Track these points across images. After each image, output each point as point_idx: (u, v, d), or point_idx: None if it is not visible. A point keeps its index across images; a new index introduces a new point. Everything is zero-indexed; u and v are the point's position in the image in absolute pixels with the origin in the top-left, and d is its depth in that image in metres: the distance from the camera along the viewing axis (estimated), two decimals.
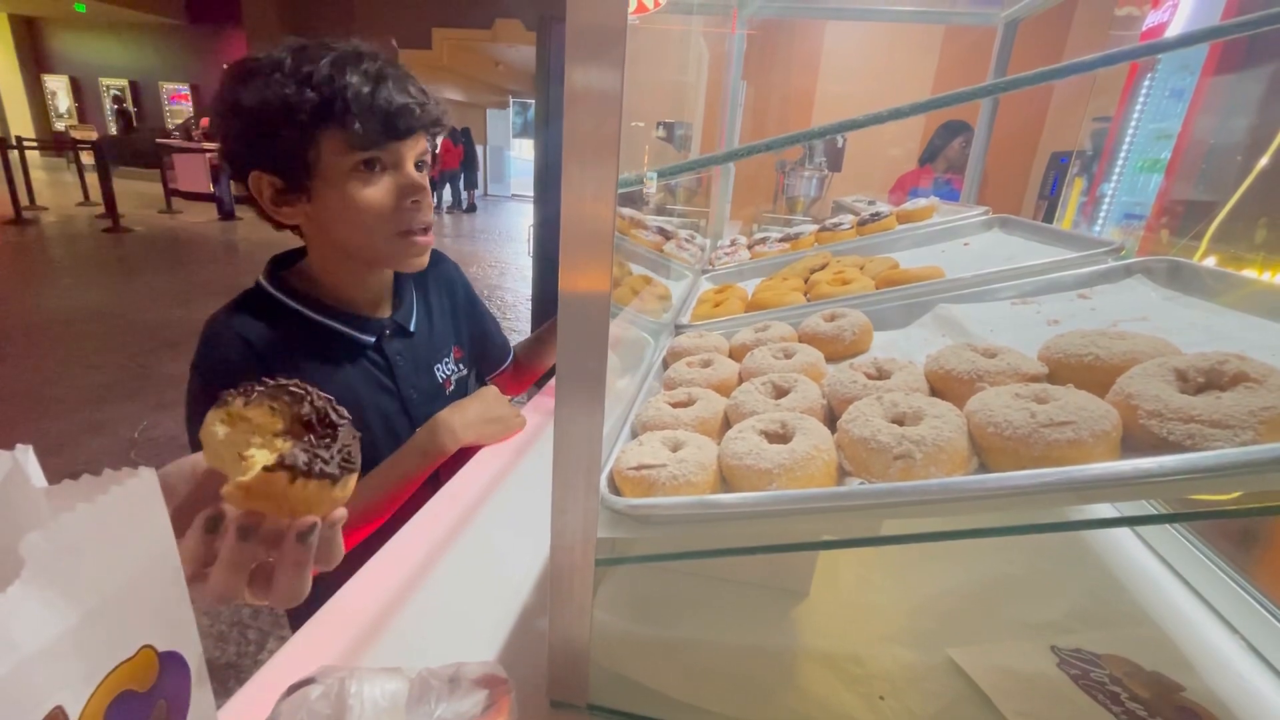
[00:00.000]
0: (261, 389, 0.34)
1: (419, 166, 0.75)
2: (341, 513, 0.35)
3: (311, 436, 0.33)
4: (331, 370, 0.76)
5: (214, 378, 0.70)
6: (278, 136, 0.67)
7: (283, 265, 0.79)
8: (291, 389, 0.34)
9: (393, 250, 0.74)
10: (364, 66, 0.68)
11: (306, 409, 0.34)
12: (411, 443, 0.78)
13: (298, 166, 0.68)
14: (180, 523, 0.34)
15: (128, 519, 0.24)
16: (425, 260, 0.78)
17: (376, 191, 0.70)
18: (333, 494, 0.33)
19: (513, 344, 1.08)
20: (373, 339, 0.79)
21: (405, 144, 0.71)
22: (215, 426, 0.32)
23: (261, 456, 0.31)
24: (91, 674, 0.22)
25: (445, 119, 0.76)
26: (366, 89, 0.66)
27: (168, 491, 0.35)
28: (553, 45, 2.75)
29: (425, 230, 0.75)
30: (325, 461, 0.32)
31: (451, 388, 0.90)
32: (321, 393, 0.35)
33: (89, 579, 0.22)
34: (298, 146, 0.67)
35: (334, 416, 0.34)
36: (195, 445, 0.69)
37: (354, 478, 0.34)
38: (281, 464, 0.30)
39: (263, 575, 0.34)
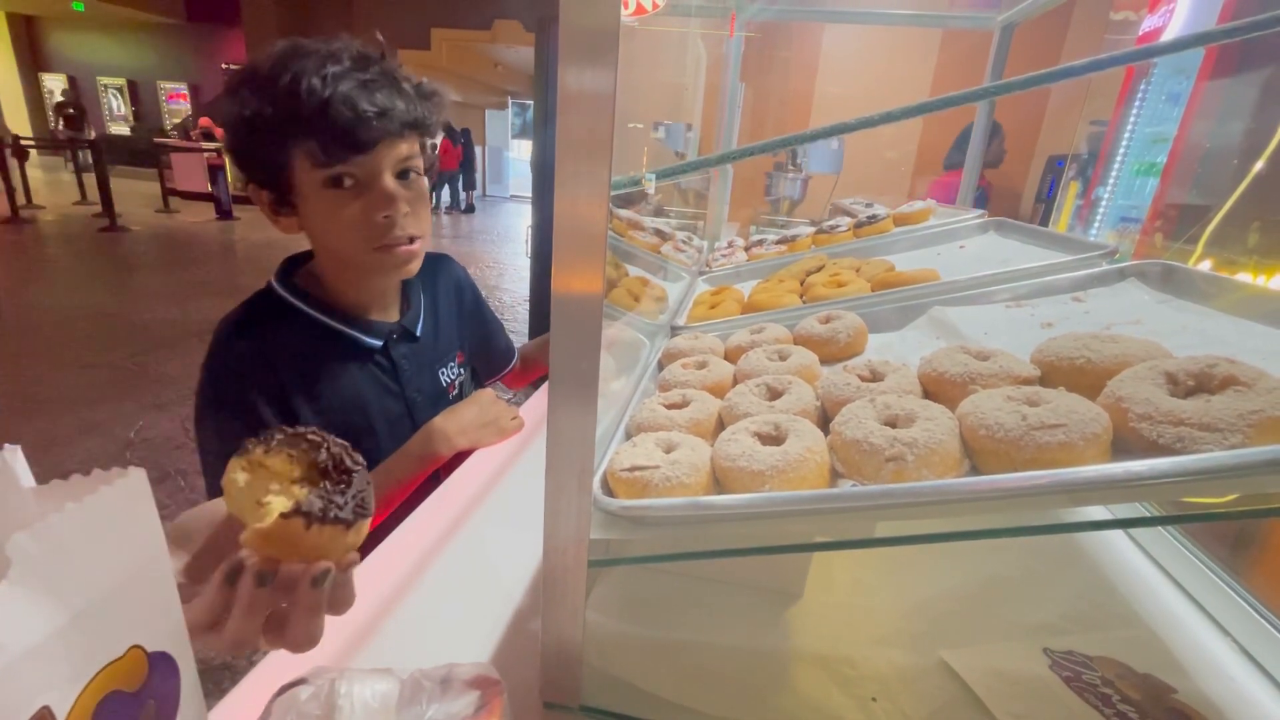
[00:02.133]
0: (281, 437, 0.35)
1: (404, 173, 0.71)
2: (354, 557, 0.36)
3: (327, 483, 0.34)
4: (338, 372, 0.76)
5: (224, 377, 0.71)
6: (254, 152, 0.67)
7: (296, 266, 0.79)
8: (309, 437, 0.35)
9: (373, 263, 0.72)
10: (327, 74, 0.63)
11: (323, 456, 0.35)
12: (406, 448, 0.78)
13: (279, 181, 0.68)
14: (198, 569, 0.35)
15: (117, 519, 0.24)
16: (414, 267, 0.76)
17: (347, 208, 0.68)
18: (346, 539, 0.34)
19: (515, 345, 1.08)
20: (380, 343, 0.79)
21: (377, 154, 0.67)
22: (236, 474, 0.33)
23: (279, 503, 0.32)
24: (79, 674, 0.22)
25: (427, 120, 0.72)
26: (322, 104, 0.62)
27: (186, 538, 0.35)
28: (551, 46, 2.75)
29: (410, 240, 0.72)
30: (340, 508, 0.33)
31: (455, 391, 0.91)
32: (338, 440, 0.36)
33: (77, 579, 0.22)
34: (272, 162, 0.67)
35: (349, 463, 0.36)
36: (202, 440, 0.70)
37: (367, 523, 0.35)
38: (298, 510, 0.32)
39: (276, 621, 0.35)
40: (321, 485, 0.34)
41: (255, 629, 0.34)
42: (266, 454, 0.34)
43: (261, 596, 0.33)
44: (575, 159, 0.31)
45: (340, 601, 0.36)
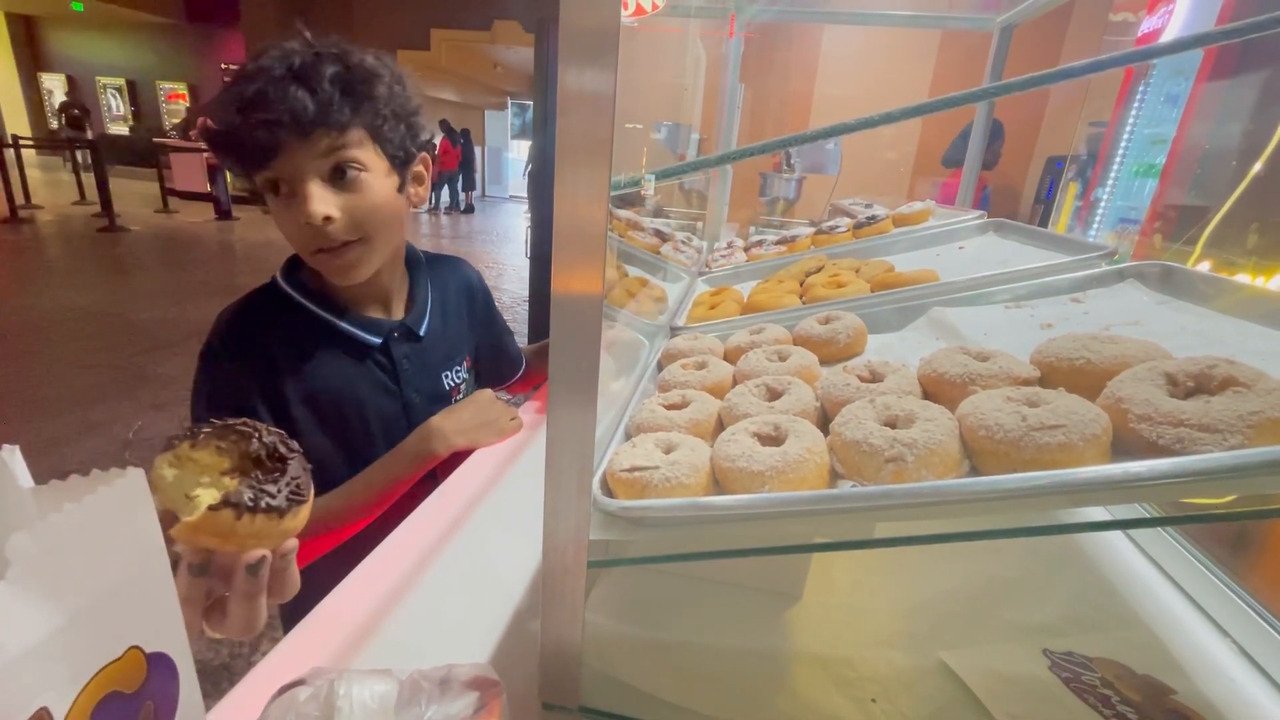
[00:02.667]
0: (208, 430, 0.35)
1: (341, 171, 0.66)
2: (292, 544, 0.36)
3: (258, 473, 0.34)
4: (336, 368, 0.76)
5: (219, 366, 0.71)
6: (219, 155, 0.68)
7: (302, 261, 0.78)
8: (239, 428, 0.36)
9: (319, 266, 0.71)
10: (243, 85, 0.62)
11: (255, 445, 0.35)
12: (403, 446, 0.78)
13: (251, 182, 0.69)
14: None
15: (115, 520, 0.24)
16: (361, 272, 0.72)
17: (283, 213, 0.67)
18: (281, 526, 0.34)
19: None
20: (379, 340, 0.79)
21: (291, 158, 0.64)
22: (163, 470, 0.33)
23: (207, 496, 0.32)
24: (78, 675, 0.21)
25: (339, 116, 0.64)
26: (224, 120, 0.63)
27: None
28: (551, 47, 2.75)
29: (345, 245, 0.69)
30: (271, 496, 0.33)
31: (459, 395, 0.89)
32: (271, 428, 0.37)
33: (75, 580, 0.22)
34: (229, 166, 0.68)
35: (283, 450, 0.36)
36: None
37: (305, 508, 0.36)
38: (226, 502, 0.32)
39: (219, 609, 0.36)
40: (253, 475, 0.34)
41: (195, 617, 0.35)
42: (193, 448, 0.35)
43: (199, 586, 0.34)
44: (575, 160, 0.30)
45: (281, 587, 0.37)
